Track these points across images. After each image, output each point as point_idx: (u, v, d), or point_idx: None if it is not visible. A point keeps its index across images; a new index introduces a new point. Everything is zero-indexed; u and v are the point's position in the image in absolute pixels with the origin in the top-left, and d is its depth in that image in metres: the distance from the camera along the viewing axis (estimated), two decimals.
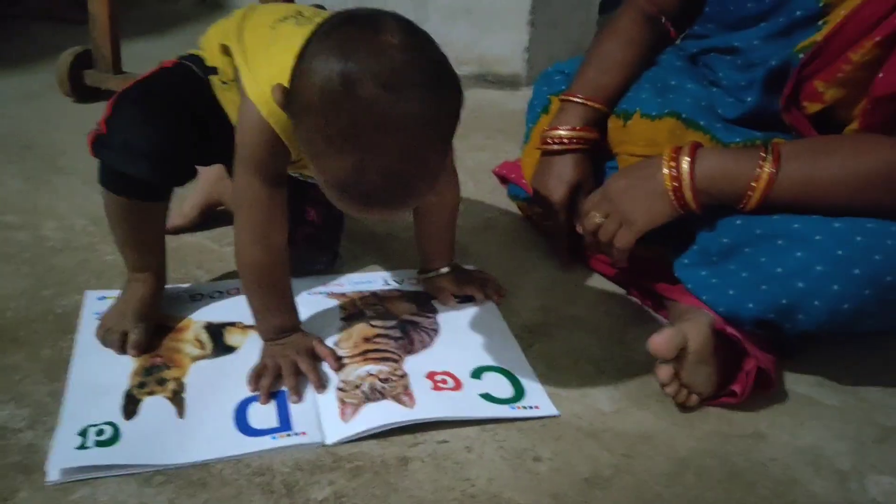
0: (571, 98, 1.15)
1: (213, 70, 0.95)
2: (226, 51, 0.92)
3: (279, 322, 0.94)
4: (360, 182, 0.72)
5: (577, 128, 1.14)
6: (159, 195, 0.96)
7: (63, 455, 0.77)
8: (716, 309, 0.94)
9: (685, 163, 0.95)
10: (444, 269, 1.09)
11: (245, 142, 0.86)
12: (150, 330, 0.96)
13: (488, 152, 1.62)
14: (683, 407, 0.91)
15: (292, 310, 0.96)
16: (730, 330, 0.92)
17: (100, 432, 0.80)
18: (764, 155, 0.91)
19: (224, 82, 0.94)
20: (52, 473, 0.76)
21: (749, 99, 1.03)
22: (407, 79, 0.69)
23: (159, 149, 0.90)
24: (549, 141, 1.15)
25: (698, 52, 1.14)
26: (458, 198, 1.09)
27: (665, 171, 0.96)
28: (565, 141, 1.14)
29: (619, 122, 1.14)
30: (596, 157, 1.17)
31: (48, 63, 1.89)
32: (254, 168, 0.87)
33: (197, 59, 0.97)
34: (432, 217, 1.07)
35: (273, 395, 0.88)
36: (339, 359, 0.94)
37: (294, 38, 0.78)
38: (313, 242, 1.14)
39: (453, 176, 1.06)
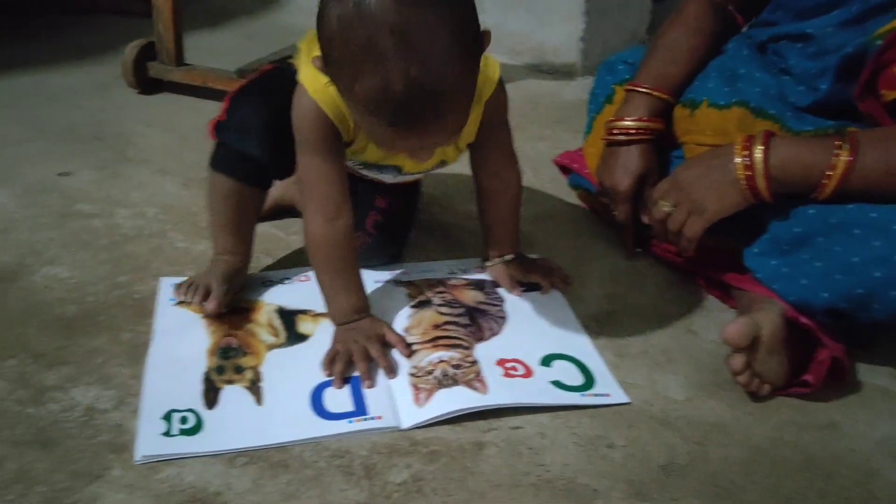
0: (637, 88, 1.15)
1: None
2: None
3: (349, 303, 0.96)
4: (386, 97, 0.74)
5: (644, 118, 1.13)
6: (263, 181, 1.03)
7: (150, 441, 0.80)
8: (787, 298, 0.93)
9: (759, 151, 0.94)
10: (509, 257, 1.10)
11: (300, 125, 0.92)
12: (232, 293, 1.01)
13: (546, 142, 1.62)
14: (755, 396, 0.91)
15: (361, 291, 0.98)
16: (803, 319, 0.91)
17: (183, 420, 0.83)
18: (839, 143, 0.90)
19: None
20: (140, 457, 0.79)
21: (822, 87, 1.01)
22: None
23: (269, 126, 0.98)
24: (614, 132, 1.15)
25: (767, 40, 1.13)
26: (521, 185, 1.09)
27: (738, 159, 0.95)
28: (631, 131, 1.13)
29: (685, 111, 1.13)
30: (661, 147, 1.16)
31: (114, 55, 1.94)
32: (312, 149, 0.92)
33: (289, 65, 1.00)
34: (495, 203, 1.08)
35: (346, 379, 0.90)
36: (409, 345, 0.96)
37: None
38: (384, 231, 1.14)
39: (513, 162, 1.07)
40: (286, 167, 1.00)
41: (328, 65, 0.79)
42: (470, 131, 1.00)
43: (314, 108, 0.90)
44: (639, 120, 1.13)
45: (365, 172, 1.08)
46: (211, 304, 0.98)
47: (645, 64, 1.17)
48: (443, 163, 1.05)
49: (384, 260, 1.15)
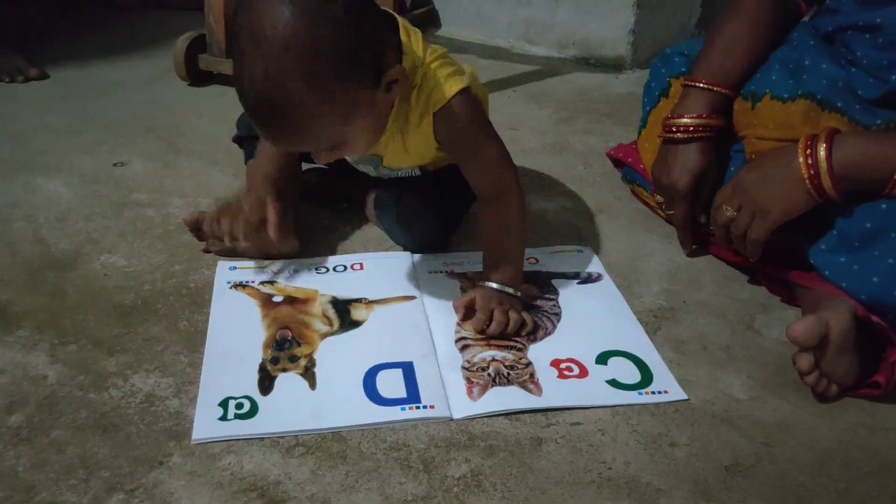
0: (695, 83, 1.12)
1: None
2: None
3: (263, 164, 1.08)
4: (241, 91, 0.81)
5: (704, 115, 1.10)
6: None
7: (206, 425, 0.81)
8: (857, 297, 0.90)
9: (822, 150, 0.92)
10: (493, 285, 0.98)
11: None
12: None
13: (596, 136, 1.60)
14: (822, 397, 0.88)
15: (280, 164, 1.07)
16: (875, 318, 0.88)
17: (239, 405, 0.83)
18: None
19: None
20: (196, 439, 0.79)
21: (892, 78, 0.98)
22: (281, 2, 0.77)
23: None
24: (672, 129, 1.12)
25: (833, 31, 1.09)
26: (514, 211, 0.99)
27: (800, 159, 0.93)
28: (690, 129, 1.10)
29: (746, 104, 1.10)
30: (721, 142, 1.13)
31: (162, 49, 1.96)
32: None
33: None
34: (483, 222, 1.02)
35: (401, 365, 0.90)
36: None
37: None
38: (423, 205, 1.11)
39: (498, 184, 0.98)
40: None
41: None
42: (418, 141, 0.99)
43: None
44: (698, 117, 1.10)
45: (355, 165, 1.12)
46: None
47: (702, 57, 1.14)
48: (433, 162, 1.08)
49: (424, 237, 1.13)
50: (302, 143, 0.87)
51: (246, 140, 1.22)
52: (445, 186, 1.12)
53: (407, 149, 1.01)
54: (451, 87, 0.94)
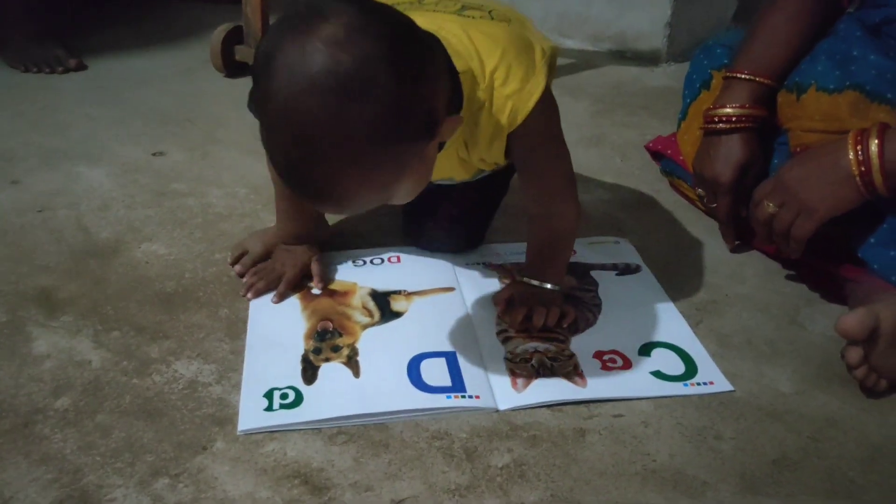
0: (737, 74, 1.10)
1: None
2: None
3: (292, 228, 1.04)
4: (273, 158, 0.70)
5: (747, 105, 1.09)
6: None
7: (252, 416, 0.81)
8: None
9: (874, 146, 0.90)
10: (534, 282, 0.97)
11: None
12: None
13: (633, 129, 1.58)
14: (871, 392, 0.86)
15: (306, 220, 1.04)
16: None
17: (284, 396, 0.83)
18: None
19: None
20: (242, 430, 0.79)
21: None
22: (313, 75, 0.64)
23: None
24: (714, 119, 1.10)
25: (881, 22, 1.07)
26: (570, 224, 0.95)
27: (850, 155, 0.91)
28: (733, 119, 1.09)
29: (791, 96, 1.08)
30: (764, 135, 1.12)
31: (198, 41, 1.98)
32: None
33: None
34: (532, 230, 0.98)
35: (444, 354, 0.90)
36: (324, 281, 1.02)
37: None
38: (457, 225, 1.10)
39: (560, 197, 0.93)
40: None
41: None
42: (480, 159, 0.91)
43: None
44: (741, 107, 1.09)
45: None
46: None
47: (744, 49, 1.13)
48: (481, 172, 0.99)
49: (454, 250, 1.11)
50: (348, 210, 0.84)
51: None
52: (476, 192, 1.09)
53: (462, 167, 0.95)
54: (528, 100, 0.82)
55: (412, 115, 0.68)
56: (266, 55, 0.66)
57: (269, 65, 0.66)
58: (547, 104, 0.85)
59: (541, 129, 0.86)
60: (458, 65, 0.79)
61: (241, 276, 1.03)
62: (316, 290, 1.01)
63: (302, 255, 1.03)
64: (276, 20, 0.70)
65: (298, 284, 1.02)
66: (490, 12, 0.89)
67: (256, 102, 0.69)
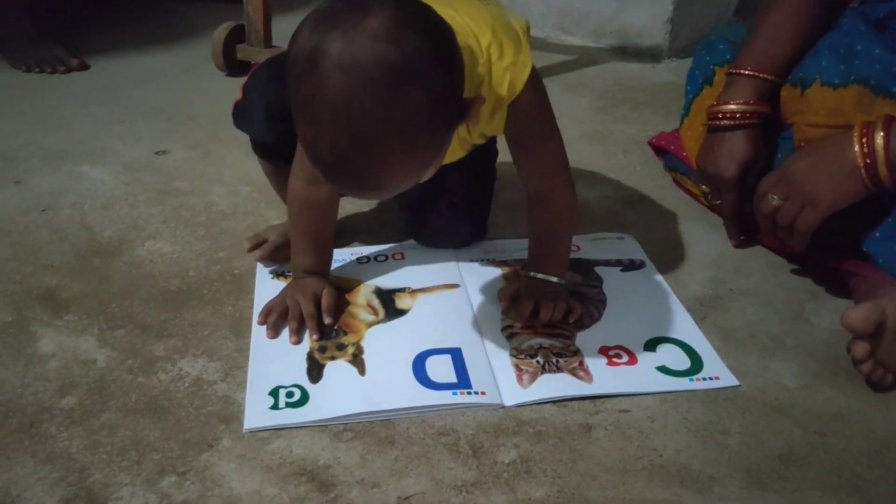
0: (741, 71, 1.10)
1: None
2: None
3: (305, 262, 0.99)
4: (317, 155, 0.71)
5: (750, 101, 1.08)
6: (283, 157, 0.99)
7: (258, 414, 0.81)
8: None
9: (879, 138, 0.90)
10: (539, 275, 0.97)
11: None
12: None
13: (635, 125, 1.58)
14: (877, 386, 0.86)
15: (320, 254, 1.00)
16: None
17: (290, 394, 0.83)
18: None
19: None
20: (248, 428, 0.79)
21: None
22: (366, 68, 0.65)
23: (270, 110, 0.98)
24: (718, 116, 1.10)
25: (886, 17, 1.07)
26: (569, 205, 0.96)
27: (856, 147, 0.91)
28: (737, 116, 1.08)
29: (795, 91, 1.08)
30: (767, 131, 1.11)
31: (199, 40, 1.98)
32: None
33: None
34: (534, 215, 0.98)
35: (449, 351, 0.89)
36: (334, 314, 0.96)
37: None
38: (458, 212, 1.10)
39: (558, 178, 0.94)
40: (291, 147, 0.94)
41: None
42: (481, 135, 0.93)
43: None
44: (745, 104, 1.08)
45: None
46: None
47: (747, 45, 1.12)
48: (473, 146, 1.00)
49: (460, 242, 1.12)
50: (385, 195, 0.81)
51: (270, 148, 1.07)
52: (468, 178, 1.09)
53: (461, 146, 0.96)
54: (523, 71, 0.85)
55: (452, 99, 0.72)
56: (310, 55, 0.67)
57: (314, 63, 0.66)
58: (536, 78, 0.88)
59: (534, 104, 0.89)
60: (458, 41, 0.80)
61: (262, 261, 1.05)
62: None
63: (313, 286, 0.97)
64: (306, 21, 0.70)
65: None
66: None
67: (299, 102, 0.69)
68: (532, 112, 0.89)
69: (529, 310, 0.94)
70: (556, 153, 0.93)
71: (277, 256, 1.05)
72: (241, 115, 1.03)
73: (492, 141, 1.02)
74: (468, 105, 0.75)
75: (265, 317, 0.94)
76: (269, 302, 0.96)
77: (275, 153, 1.05)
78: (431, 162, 0.74)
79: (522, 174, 0.95)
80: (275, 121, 0.97)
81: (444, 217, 1.10)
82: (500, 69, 0.83)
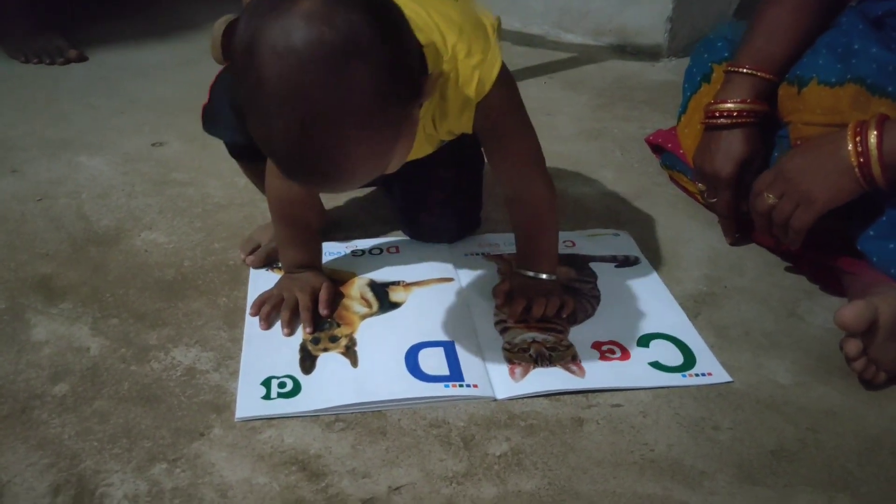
0: (738, 69, 1.10)
1: None
2: None
3: (296, 256, 0.98)
4: (272, 149, 0.69)
5: (748, 100, 1.08)
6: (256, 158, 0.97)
7: (250, 404, 0.81)
8: None
9: (872, 137, 0.90)
10: (529, 273, 0.98)
11: None
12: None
13: (633, 123, 1.58)
14: (869, 384, 0.86)
15: (309, 247, 1.00)
16: None
17: (282, 385, 0.84)
18: None
19: None
20: (239, 418, 0.79)
21: None
22: (302, 51, 0.63)
23: (238, 110, 0.92)
24: (715, 114, 1.10)
25: (883, 15, 1.07)
26: (547, 201, 0.95)
27: (850, 146, 0.91)
28: (734, 114, 1.08)
29: (792, 89, 1.08)
30: (765, 130, 1.11)
31: (197, 33, 1.98)
32: None
33: None
34: (514, 213, 0.98)
35: (442, 344, 0.90)
36: (330, 307, 0.95)
37: None
38: (449, 207, 1.10)
39: (533, 174, 0.93)
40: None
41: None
42: (449, 132, 0.90)
43: None
44: (742, 102, 1.08)
45: None
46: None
47: (745, 43, 1.12)
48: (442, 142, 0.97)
49: (453, 237, 1.12)
50: (349, 186, 0.78)
51: (244, 150, 1.06)
52: (455, 171, 1.08)
53: (428, 142, 0.93)
54: (492, 70, 0.83)
55: (401, 74, 0.69)
56: (247, 47, 0.64)
57: (252, 54, 0.64)
58: (506, 75, 0.86)
59: (504, 100, 0.87)
60: (421, 38, 0.78)
61: (258, 266, 1.04)
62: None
63: (310, 280, 0.97)
64: (241, 14, 0.67)
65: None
66: None
67: (246, 97, 0.66)
68: (503, 109, 0.87)
69: (522, 307, 0.94)
70: (530, 149, 0.92)
71: (271, 260, 1.05)
72: (210, 118, 1.02)
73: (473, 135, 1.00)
74: (424, 82, 0.73)
75: (258, 308, 0.94)
76: (263, 293, 0.96)
77: (251, 154, 1.01)
78: (391, 145, 0.71)
79: (497, 172, 0.94)
80: (242, 119, 0.94)
81: (435, 214, 1.10)
82: (468, 67, 0.82)
